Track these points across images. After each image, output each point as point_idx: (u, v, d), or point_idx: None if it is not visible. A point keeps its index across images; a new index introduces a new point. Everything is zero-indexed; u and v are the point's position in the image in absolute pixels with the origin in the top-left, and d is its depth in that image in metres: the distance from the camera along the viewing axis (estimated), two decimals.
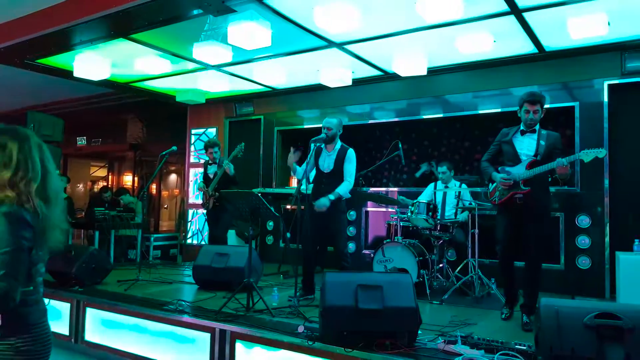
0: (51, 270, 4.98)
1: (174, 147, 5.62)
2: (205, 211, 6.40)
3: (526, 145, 3.82)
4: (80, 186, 13.38)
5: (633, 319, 2.56)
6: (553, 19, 4.49)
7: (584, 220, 5.24)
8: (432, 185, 5.79)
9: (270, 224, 7.65)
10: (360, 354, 2.95)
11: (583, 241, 5.23)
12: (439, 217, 5.12)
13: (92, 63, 5.97)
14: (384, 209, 6.55)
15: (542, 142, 3.76)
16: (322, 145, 4.57)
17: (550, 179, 4.02)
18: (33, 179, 1.65)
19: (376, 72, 6.35)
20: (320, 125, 4.56)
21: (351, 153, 4.50)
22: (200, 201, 6.55)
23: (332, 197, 4.33)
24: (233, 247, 5.39)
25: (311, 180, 4.71)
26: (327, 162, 4.55)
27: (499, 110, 6.06)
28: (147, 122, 11.07)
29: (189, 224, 8.39)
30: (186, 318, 3.81)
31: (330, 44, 5.36)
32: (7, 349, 1.60)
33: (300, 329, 3.29)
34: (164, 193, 11.62)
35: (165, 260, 7.76)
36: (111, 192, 9.01)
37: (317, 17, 4.28)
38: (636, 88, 5.14)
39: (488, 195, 4.04)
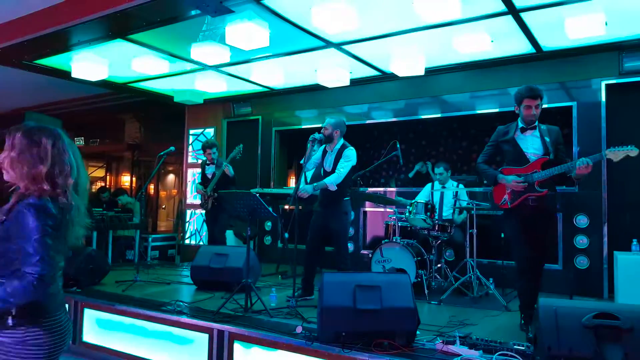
0: None
1: (172, 148, 5.62)
2: (203, 211, 6.40)
3: (531, 144, 3.57)
4: None
5: (631, 319, 2.56)
6: (551, 19, 4.50)
7: (582, 220, 5.25)
8: (429, 185, 5.79)
9: (268, 225, 7.64)
10: (359, 355, 2.94)
11: (581, 241, 5.23)
12: (436, 217, 5.12)
13: (90, 63, 5.96)
14: (382, 209, 6.56)
15: (547, 139, 3.53)
16: (325, 145, 4.60)
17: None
18: (70, 174, 1.75)
19: (374, 72, 6.35)
20: (319, 125, 4.58)
21: (349, 151, 4.50)
22: (198, 201, 6.54)
23: (316, 185, 4.42)
24: (231, 248, 5.38)
25: (309, 180, 4.71)
26: (328, 162, 4.59)
27: (496, 110, 6.07)
28: (145, 122, 11.06)
29: (187, 224, 8.38)
30: (184, 319, 3.80)
31: (328, 44, 5.36)
32: (19, 338, 1.62)
33: (299, 329, 3.28)
34: (162, 193, 11.61)
35: (163, 261, 7.76)
36: (109, 192, 9.00)
37: (314, 17, 4.28)
38: (634, 88, 5.15)
39: (492, 199, 3.74)
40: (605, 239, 5.12)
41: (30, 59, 6.07)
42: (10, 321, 1.62)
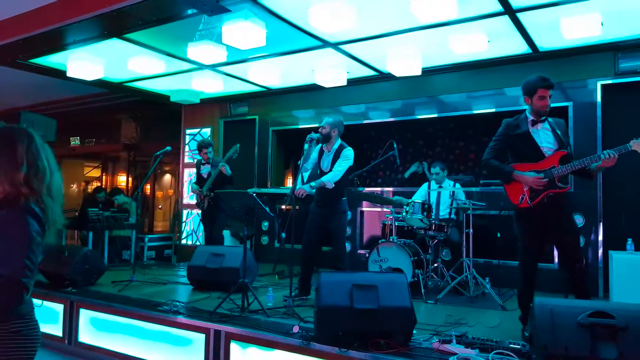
0: (45, 271, 4.95)
1: (168, 147, 5.60)
2: (199, 211, 6.38)
3: (544, 137, 3.34)
4: (74, 186, 13.30)
5: (626, 318, 2.57)
6: (547, 19, 4.51)
7: (577, 220, 5.26)
8: (425, 185, 5.80)
9: (265, 224, 7.64)
10: (356, 354, 2.94)
11: None
12: (433, 217, 5.13)
13: (86, 63, 5.94)
14: (379, 209, 6.56)
15: (558, 132, 3.34)
16: (322, 145, 4.60)
17: None
18: (44, 177, 1.72)
19: (371, 72, 6.36)
20: (316, 125, 4.58)
21: (347, 151, 4.50)
22: (194, 201, 6.53)
23: (313, 184, 4.42)
24: (228, 248, 5.38)
25: (305, 180, 4.71)
26: (325, 162, 4.59)
27: (493, 110, 6.08)
28: (141, 122, 11.03)
29: (183, 224, 8.36)
30: (181, 319, 3.79)
31: (325, 44, 5.36)
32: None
33: (295, 329, 3.28)
34: (159, 193, 11.58)
35: (159, 261, 7.74)
36: (105, 192, 8.96)
37: (311, 17, 4.28)
38: (629, 88, 5.17)
39: (508, 198, 3.40)
40: (601, 239, 5.15)
41: (25, 58, 6.04)
42: None
